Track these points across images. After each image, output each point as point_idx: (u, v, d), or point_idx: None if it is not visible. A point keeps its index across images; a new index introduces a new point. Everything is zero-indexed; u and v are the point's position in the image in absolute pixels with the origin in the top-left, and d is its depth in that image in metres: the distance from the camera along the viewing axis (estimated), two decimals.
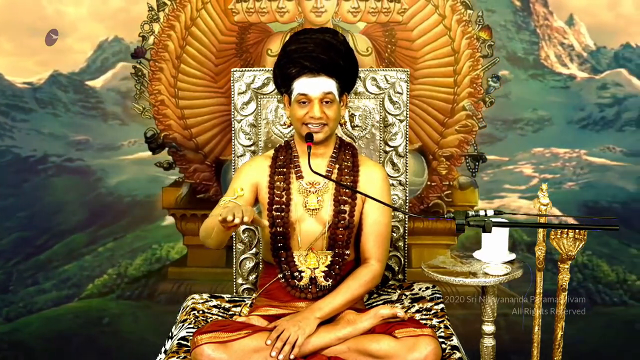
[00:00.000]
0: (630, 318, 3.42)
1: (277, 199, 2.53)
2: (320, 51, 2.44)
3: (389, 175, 2.80)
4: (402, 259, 2.98)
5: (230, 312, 2.74)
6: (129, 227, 3.62)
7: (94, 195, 3.59)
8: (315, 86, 2.44)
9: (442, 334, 2.52)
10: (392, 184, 2.91)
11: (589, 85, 3.47)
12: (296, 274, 2.52)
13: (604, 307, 3.45)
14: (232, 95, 2.92)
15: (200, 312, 2.70)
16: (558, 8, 3.41)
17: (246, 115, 2.91)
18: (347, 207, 2.53)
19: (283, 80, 2.51)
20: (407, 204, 2.98)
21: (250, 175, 2.57)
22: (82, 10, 3.51)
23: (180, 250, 3.62)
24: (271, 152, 2.63)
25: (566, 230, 2.50)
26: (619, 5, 3.42)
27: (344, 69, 2.49)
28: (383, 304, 2.73)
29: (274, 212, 2.52)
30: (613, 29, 3.44)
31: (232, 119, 2.92)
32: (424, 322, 2.55)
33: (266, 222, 2.36)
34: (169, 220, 3.60)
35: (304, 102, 2.46)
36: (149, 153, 3.57)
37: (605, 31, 3.45)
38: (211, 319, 2.66)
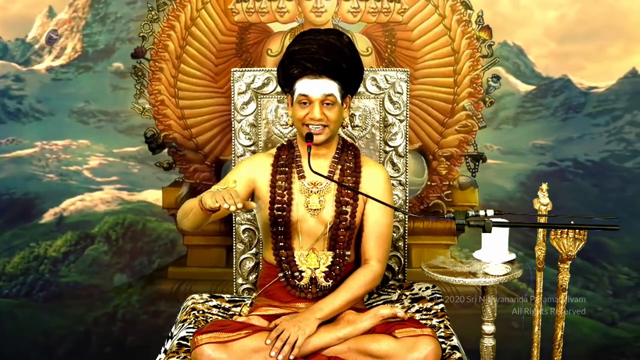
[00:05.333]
0: (506, 316, 3.42)
1: (278, 198, 2.53)
2: (323, 53, 2.43)
3: (389, 176, 2.80)
4: (402, 259, 2.98)
5: (230, 312, 2.74)
6: (7, 225, 3.61)
7: None
8: (316, 87, 2.44)
9: (442, 334, 2.52)
10: (392, 184, 2.90)
11: None
12: (296, 273, 2.52)
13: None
14: (232, 95, 2.92)
15: (200, 312, 2.70)
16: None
17: (246, 115, 2.91)
18: (348, 208, 2.53)
19: (285, 80, 2.51)
20: (407, 204, 2.98)
21: (248, 170, 2.57)
22: None
23: (57, 249, 3.62)
24: (273, 150, 2.63)
25: (566, 230, 2.51)
26: (496, 4, 3.45)
27: (347, 72, 2.48)
28: (383, 304, 2.73)
29: (275, 212, 2.52)
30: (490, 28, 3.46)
31: (232, 119, 2.92)
32: (424, 322, 2.55)
33: (254, 204, 2.35)
34: (47, 218, 3.61)
35: (304, 103, 2.46)
36: (27, 151, 3.57)
37: None
38: (211, 319, 2.66)
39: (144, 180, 3.58)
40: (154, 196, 3.59)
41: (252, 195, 2.58)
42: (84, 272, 3.63)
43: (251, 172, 2.56)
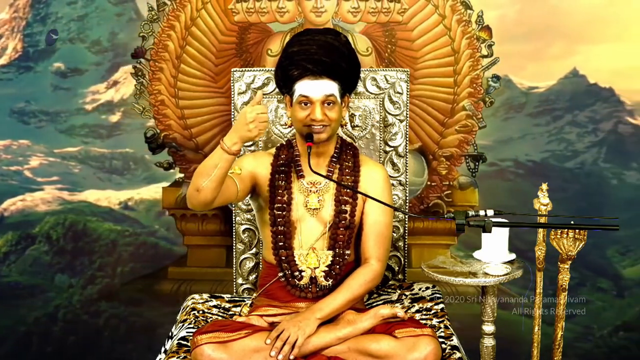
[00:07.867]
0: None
1: (278, 197, 2.53)
2: (322, 53, 2.43)
3: (389, 175, 2.80)
4: (402, 259, 2.98)
5: (230, 312, 2.74)
6: None
7: None
8: (317, 88, 2.43)
9: (442, 334, 2.52)
10: (392, 184, 2.90)
11: None
12: (296, 273, 2.52)
13: None
14: (232, 95, 2.92)
15: (200, 312, 2.70)
16: None
17: None
18: (348, 207, 2.53)
19: (285, 82, 2.50)
20: (407, 204, 2.98)
21: (250, 164, 2.55)
22: None
23: (6, 250, 3.62)
24: (273, 150, 2.63)
25: (566, 230, 2.50)
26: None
27: (346, 71, 2.47)
28: (383, 304, 2.73)
29: (275, 211, 2.52)
30: None
31: (232, 119, 2.92)
32: (424, 322, 2.55)
33: (260, 95, 2.36)
34: None
35: (305, 104, 2.45)
36: None
37: None
38: (211, 319, 2.66)
39: (84, 180, 3.58)
40: (94, 196, 3.61)
41: (254, 190, 2.57)
42: (25, 272, 3.63)
43: (254, 166, 2.56)
